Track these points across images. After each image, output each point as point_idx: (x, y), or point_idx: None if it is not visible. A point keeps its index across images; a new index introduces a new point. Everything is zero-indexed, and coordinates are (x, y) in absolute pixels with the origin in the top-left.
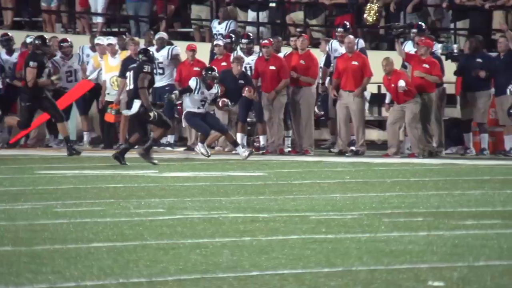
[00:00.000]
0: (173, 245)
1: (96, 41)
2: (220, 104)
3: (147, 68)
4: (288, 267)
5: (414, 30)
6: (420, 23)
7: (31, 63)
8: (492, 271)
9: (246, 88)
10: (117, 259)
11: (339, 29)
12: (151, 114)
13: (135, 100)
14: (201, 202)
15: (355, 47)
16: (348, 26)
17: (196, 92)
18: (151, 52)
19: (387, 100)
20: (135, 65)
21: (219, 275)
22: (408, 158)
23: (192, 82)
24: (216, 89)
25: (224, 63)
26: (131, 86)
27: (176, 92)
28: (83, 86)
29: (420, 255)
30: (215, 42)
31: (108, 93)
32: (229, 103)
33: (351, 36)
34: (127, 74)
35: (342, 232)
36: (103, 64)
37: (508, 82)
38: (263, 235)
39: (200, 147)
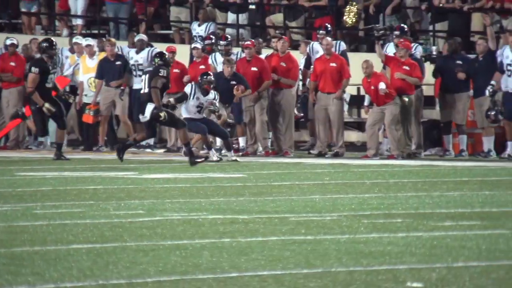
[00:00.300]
0: (152, 247)
1: (74, 40)
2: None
3: (163, 72)
4: (268, 268)
5: (397, 32)
6: (402, 25)
7: (33, 69)
8: (471, 272)
9: (235, 87)
10: (97, 260)
11: (321, 31)
12: (162, 114)
13: (149, 104)
14: (181, 203)
15: (334, 49)
16: (329, 28)
17: (191, 97)
18: (166, 56)
19: (365, 103)
20: (150, 68)
21: (198, 276)
22: (387, 159)
23: (187, 88)
24: (213, 94)
25: (202, 66)
26: (146, 90)
27: (171, 99)
28: (59, 83)
29: (399, 256)
30: (193, 45)
31: (86, 95)
32: (215, 105)
33: (329, 38)
34: (142, 77)
35: (321, 233)
36: (80, 65)
37: (487, 84)
38: (243, 237)
39: (212, 155)
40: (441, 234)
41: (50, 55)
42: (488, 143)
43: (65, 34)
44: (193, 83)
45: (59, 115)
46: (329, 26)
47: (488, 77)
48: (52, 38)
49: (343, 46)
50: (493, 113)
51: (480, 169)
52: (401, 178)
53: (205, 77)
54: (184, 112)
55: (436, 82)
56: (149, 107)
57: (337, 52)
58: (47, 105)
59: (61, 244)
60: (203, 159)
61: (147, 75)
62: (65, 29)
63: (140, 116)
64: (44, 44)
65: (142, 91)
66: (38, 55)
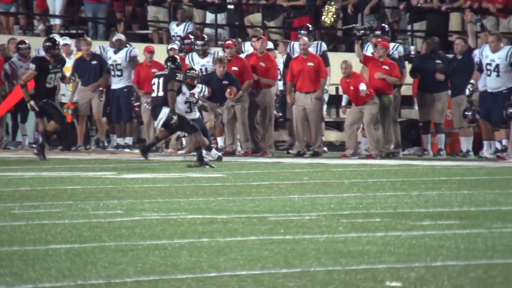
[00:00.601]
0: (131, 247)
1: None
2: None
3: (180, 76)
4: (247, 268)
5: (378, 32)
6: (383, 25)
7: (30, 65)
8: (449, 271)
9: (228, 90)
10: (75, 260)
11: (302, 32)
12: (174, 117)
13: (164, 107)
14: (160, 203)
15: (315, 49)
16: (310, 29)
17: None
18: (178, 60)
19: (343, 103)
20: (163, 72)
21: (177, 276)
22: (366, 159)
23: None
24: (199, 88)
25: None
26: (160, 93)
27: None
28: (19, 92)
29: (378, 255)
30: (169, 46)
31: (63, 94)
32: (194, 96)
33: (306, 38)
34: (154, 80)
35: (300, 233)
36: None
37: (464, 83)
38: (222, 236)
39: (213, 153)
40: (419, 233)
41: (52, 54)
42: (466, 143)
43: (41, 28)
44: None
45: (57, 117)
46: (310, 26)
47: (466, 77)
48: (55, 37)
49: (324, 46)
50: (470, 113)
51: (458, 168)
52: (380, 177)
53: (188, 72)
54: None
55: (414, 82)
56: (165, 110)
57: (318, 53)
58: (32, 102)
59: (39, 244)
60: (211, 165)
61: (161, 79)
62: (42, 25)
63: (157, 123)
64: (47, 44)
65: (154, 95)
66: (15, 55)
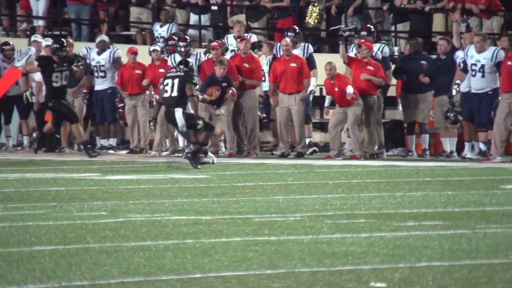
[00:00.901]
0: (116, 248)
1: (33, 38)
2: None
3: (196, 80)
4: (231, 269)
5: (364, 33)
6: (368, 25)
7: (34, 61)
8: (434, 272)
9: (230, 91)
10: (60, 262)
11: (290, 33)
12: (200, 122)
13: (176, 109)
14: (144, 204)
15: (302, 51)
16: (298, 31)
17: None
18: (191, 64)
19: (326, 103)
20: (176, 74)
21: (162, 277)
22: (350, 160)
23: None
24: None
25: (161, 70)
26: (174, 94)
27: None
28: (11, 75)
29: (362, 256)
30: (152, 48)
31: None
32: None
33: (288, 39)
34: (167, 81)
35: (284, 234)
36: None
37: (447, 84)
38: (206, 238)
39: (209, 157)
40: (404, 234)
41: (59, 56)
42: (450, 144)
43: (23, 27)
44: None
45: (70, 116)
46: (297, 28)
47: (449, 77)
48: (63, 39)
49: (311, 48)
50: (452, 114)
51: (442, 169)
52: (364, 178)
53: (171, 70)
54: None
55: (398, 83)
56: (178, 114)
57: (305, 55)
58: (27, 93)
59: (23, 245)
60: (210, 160)
61: (176, 80)
62: (25, 24)
63: (178, 131)
64: (55, 46)
65: (167, 95)
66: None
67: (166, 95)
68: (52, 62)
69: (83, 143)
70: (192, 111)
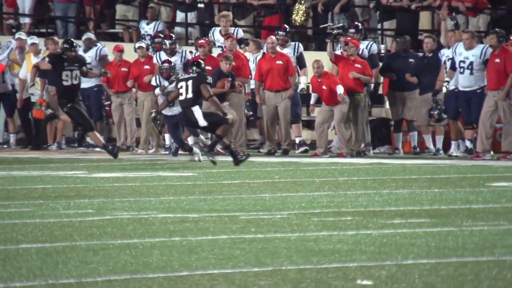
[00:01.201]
0: (102, 246)
1: (17, 35)
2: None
3: (210, 80)
4: (218, 267)
5: (352, 30)
6: (356, 23)
7: (46, 58)
8: (420, 269)
9: (237, 83)
10: (46, 260)
11: (280, 32)
12: (230, 117)
13: (193, 109)
14: (131, 202)
15: (292, 50)
16: (288, 30)
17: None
18: (203, 65)
19: (312, 101)
20: (188, 76)
21: (149, 275)
22: (337, 157)
23: (153, 81)
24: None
25: (147, 66)
26: (189, 95)
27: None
28: None
29: (349, 254)
30: (137, 45)
31: (32, 94)
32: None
33: (273, 37)
34: (181, 84)
35: (271, 232)
36: (25, 64)
37: (432, 82)
38: (193, 235)
39: (195, 153)
40: (390, 231)
41: (68, 56)
42: (433, 141)
43: (9, 22)
44: (156, 75)
45: (81, 121)
46: (287, 27)
47: (434, 75)
48: (72, 40)
49: (301, 47)
50: (436, 112)
51: (429, 167)
52: (351, 176)
53: (161, 66)
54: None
55: (384, 81)
56: (197, 113)
57: (295, 54)
58: (37, 78)
59: (10, 243)
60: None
61: (189, 82)
62: (10, 20)
63: (202, 138)
64: (64, 45)
65: (183, 98)
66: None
67: (181, 98)
68: (63, 60)
69: (104, 147)
70: (211, 110)
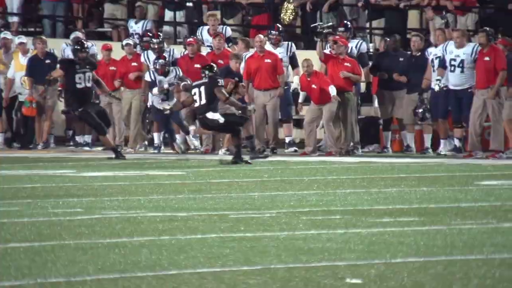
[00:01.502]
0: (91, 245)
1: (2, 35)
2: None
3: (221, 82)
4: (207, 266)
5: (341, 29)
6: (346, 22)
7: (58, 64)
8: (409, 268)
9: (241, 85)
10: (35, 259)
11: (274, 32)
12: (251, 108)
13: (208, 115)
14: (120, 201)
15: (285, 50)
16: (281, 29)
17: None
18: (215, 69)
19: (300, 100)
20: (201, 81)
21: (138, 274)
22: (326, 156)
23: (147, 77)
24: (173, 72)
25: (134, 63)
26: (203, 102)
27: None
28: None
29: (338, 252)
30: (124, 42)
31: (20, 93)
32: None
33: (261, 36)
34: (194, 90)
35: (260, 231)
36: (13, 63)
37: (420, 81)
38: (182, 234)
39: (177, 147)
40: (379, 230)
41: (80, 57)
42: (410, 138)
43: None
44: (151, 70)
45: (94, 123)
46: (280, 27)
47: (421, 74)
48: (83, 40)
49: (294, 47)
50: (420, 110)
51: (417, 165)
52: (340, 175)
53: (155, 61)
54: (154, 100)
55: (373, 79)
56: (212, 115)
57: (288, 54)
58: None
59: None
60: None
61: (202, 88)
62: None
63: (217, 129)
64: (75, 47)
65: (197, 104)
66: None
67: (196, 104)
68: (74, 64)
69: (113, 149)
70: (230, 111)
